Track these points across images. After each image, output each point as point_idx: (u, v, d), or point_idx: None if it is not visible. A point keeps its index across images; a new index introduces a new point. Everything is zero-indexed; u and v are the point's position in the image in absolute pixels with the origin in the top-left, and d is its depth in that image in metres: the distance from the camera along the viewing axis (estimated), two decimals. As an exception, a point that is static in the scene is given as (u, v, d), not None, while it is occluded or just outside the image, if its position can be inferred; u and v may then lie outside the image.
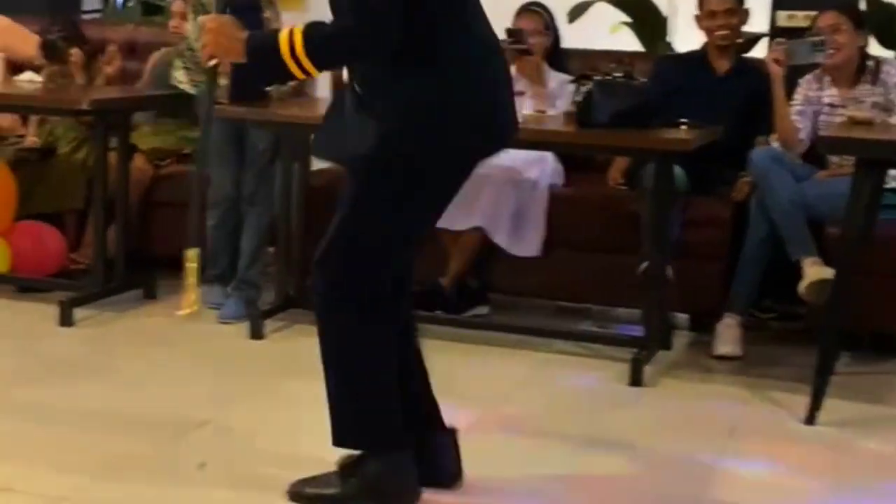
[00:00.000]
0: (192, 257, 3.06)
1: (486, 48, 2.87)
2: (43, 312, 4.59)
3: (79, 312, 4.58)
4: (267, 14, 4.67)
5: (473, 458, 3.29)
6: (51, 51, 5.22)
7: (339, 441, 2.97)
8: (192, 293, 3.07)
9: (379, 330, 2.92)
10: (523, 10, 5.07)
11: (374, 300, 2.88)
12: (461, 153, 2.86)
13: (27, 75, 5.17)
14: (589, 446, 3.57)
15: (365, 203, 2.85)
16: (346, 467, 3.00)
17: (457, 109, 2.78)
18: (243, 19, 4.55)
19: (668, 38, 6.15)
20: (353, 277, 2.87)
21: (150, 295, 4.94)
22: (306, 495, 3.01)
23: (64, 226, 5.15)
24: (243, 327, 4.50)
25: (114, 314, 4.67)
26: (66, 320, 4.53)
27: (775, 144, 4.61)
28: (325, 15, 2.81)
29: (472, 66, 2.79)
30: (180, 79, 4.78)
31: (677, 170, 4.47)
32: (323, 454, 3.06)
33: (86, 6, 7.10)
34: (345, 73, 3.07)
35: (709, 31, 4.90)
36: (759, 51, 5.50)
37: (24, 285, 4.94)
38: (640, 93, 4.39)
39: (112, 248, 4.84)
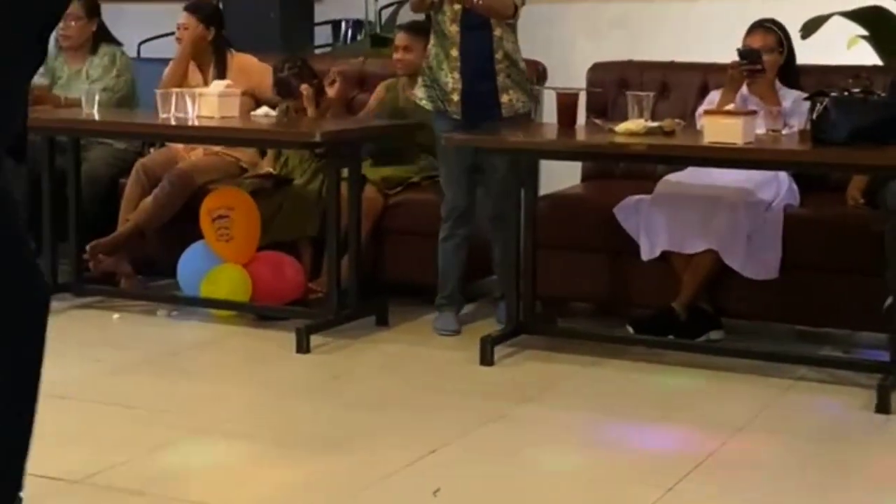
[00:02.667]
0: None
1: None
2: (282, 340, 4.71)
3: (315, 339, 4.68)
4: (497, 32, 4.73)
5: (718, 487, 3.20)
6: (283, 87, 5.40)
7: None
8: None
9: None
10: (755, 28, 4.95)
11: None
12: None
13: (263, 110, 5.34)
14: (835, 475, 3.43)
15: None
16: None
17: None
18: (474, 37, 4.71)
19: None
20: None
21: (383, 322, 5.01)
22: None
23: (299, 255, 5.29)
24: (474, 353, 4.51)
25: (348, 341, 4.75)
26: (302, 347, 4.63)
27: None
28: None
29: None
30: (420, 95, 4.89)
31: (923, 187, 4.27)
32: (553, 478, 3.02)
33: (317, 41, 7.31)
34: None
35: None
36: None
37: (262, 314, 5.09)
38: (880, 108, 4.22)
39: (346, 277, 4.94)
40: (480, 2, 4.57)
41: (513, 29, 4.79)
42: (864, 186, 4.68)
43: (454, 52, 4.75)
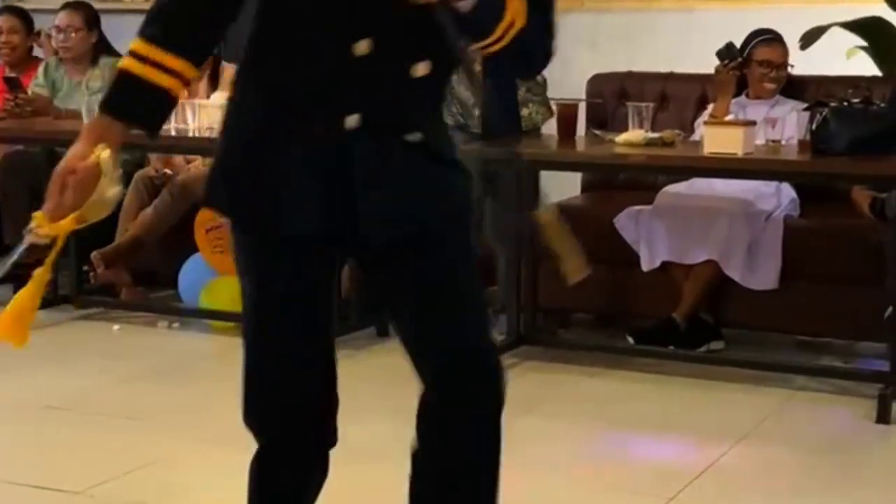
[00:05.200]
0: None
1: None
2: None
3: (315, 350, 4.67)
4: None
5: (719, 498, 3.20)
6: None
7: None
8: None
9: None
10: (768, 41, 4.96)
11: None
12: None
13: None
14: (836, 485, 3.43)
15: (473, 271, 2.36)
16: None
17: None
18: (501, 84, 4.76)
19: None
20: None
21: (383, 332, 5.00)
22: None
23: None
24: (475, 364, 4.50)
25: (350, 351, 4.75)
26: (304, 358, 4.62)
27: None
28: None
29: None
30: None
31: (923, 197, 4.28)
32: (554, 489, 3.02)
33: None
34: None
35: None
36: None
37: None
38: (880, 118, 4.23)
39: (346, 288, 4.93)
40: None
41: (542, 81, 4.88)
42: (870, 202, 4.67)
43: (475, 68, 4.79)
